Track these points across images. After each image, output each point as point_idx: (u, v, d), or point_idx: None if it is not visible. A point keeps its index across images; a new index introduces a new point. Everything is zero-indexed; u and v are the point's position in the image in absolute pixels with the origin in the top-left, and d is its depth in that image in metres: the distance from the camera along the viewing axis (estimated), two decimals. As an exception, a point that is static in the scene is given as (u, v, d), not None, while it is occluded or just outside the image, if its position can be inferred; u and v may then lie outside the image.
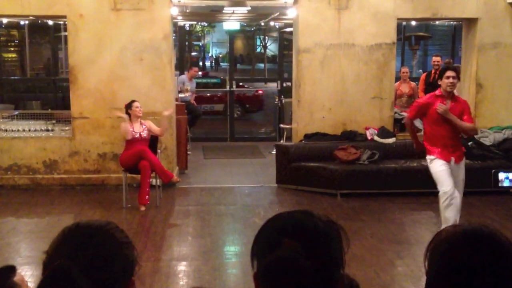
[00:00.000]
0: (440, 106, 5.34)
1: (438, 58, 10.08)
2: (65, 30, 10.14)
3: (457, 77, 5.42)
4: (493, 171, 7.57)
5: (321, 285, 1.14)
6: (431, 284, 1.21)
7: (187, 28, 22.19)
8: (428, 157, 5.56)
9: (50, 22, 13.73)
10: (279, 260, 1.12)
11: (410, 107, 5.51)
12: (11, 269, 1.45)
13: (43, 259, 1.25)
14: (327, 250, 1.18)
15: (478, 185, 7.47)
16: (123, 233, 1.27)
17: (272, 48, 35.16)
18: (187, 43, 26.66)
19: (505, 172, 7.58)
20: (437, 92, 5.48)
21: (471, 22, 8.42)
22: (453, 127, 5.42)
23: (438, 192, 5.56)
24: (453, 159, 5.48)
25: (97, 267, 1.17)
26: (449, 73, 5.34)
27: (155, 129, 7.12)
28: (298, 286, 1.12)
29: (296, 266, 1.11)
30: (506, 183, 7.58)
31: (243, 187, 8.07)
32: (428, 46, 21.53)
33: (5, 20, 12.47)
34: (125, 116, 6.89)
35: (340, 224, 1.24)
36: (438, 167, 5.48)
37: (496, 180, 7.55)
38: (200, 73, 17.82)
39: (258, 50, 38.34)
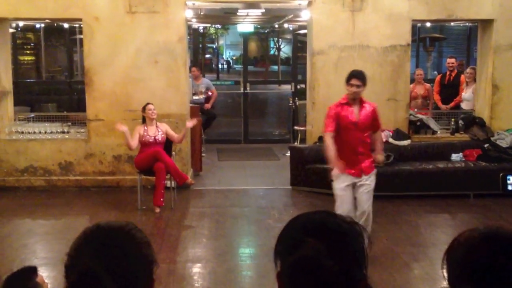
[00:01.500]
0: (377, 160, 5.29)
1: (453, 60, 10.01)
2: (80, 33, 10.22)
3: (363, 84, 5.11)
4: (501, 174, 7.45)
5: (343, 285, 1.14)
6: None
7: (201, 31, 22.24)
8: (334, 172, 5.21)
9: (66, 25, 13.87)
10: (302, 259, 1.13)
11: (325, 122, 5.18)
12: (33, 270, 1.46)
13: (64, 261, 1.26)
14: (350, 250, 1.19)
15: (493, 187, 7.41)
16: (142, 233, 1.29)
17: (285, 50, 35.14)
18: (201, 45, 26.75)
19: (512, 175, 7.45)
20: (342, 100, 5.20)
21: (487, 23, 8.35)
22: (362, 134, 5.19)
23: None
24: (361, 170, 5.17)
25: (120, 267, 1.18)
26: (354, 81, 5.09)
27: (172, 134, 7.15)
28: (321, 285, 1.12)
29: (319, 266, 1.12)
30: None
31: (258, 189, 8.07)
32: (443, 47, 21.36)
33: (21, 23, 12.60)
34: (125, 129, 6.76)
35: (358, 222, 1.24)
36: (339, 189, 5.21)
37: (505, 183, 7.44)
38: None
39: (272, 52, 38.33)
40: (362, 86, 5.15)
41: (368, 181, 5.20)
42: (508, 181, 7.43)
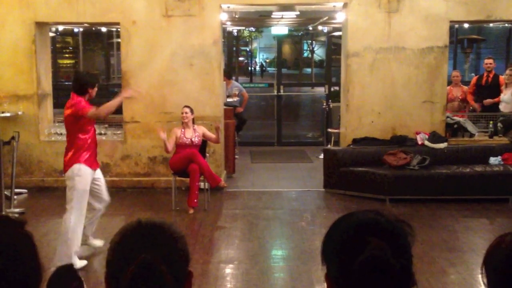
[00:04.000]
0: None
1: (491, 61, 9.80)
2: (118, 37, 10.41)
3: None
4: None
5: (404, 283, 1.16)
6: None
7: (235, 34, 22.38)
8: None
9: (103, 29, 14.15)
10: (371, 258, 1.13)
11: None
12: (73, 267, 1.52)
13: (106, 256, 1.29)
14: (406, 248, 1.20)
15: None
16: (177, 228, 1.33)
17: (319, 52, 35.01)
18: (235, 48, 26.90)
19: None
20: None
21: (528, 24, 8.15)
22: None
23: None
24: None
25: (168, 259, 1.23)
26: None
27: (210, 136, 7.24)
28: (388, 283, 1.13)
29: (387, 265, 1.13)
30: None
31: (291, 192, 8.06)
32: (481, 49, 20.96)
33: (60, 28, 12.91)
34: (163, 136, 6.84)
35: (406, 220, 1.25)
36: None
37: None
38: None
39: (305, 54, 38.24)
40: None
41: None
42: None
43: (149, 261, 1.18)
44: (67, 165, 5.15)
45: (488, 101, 9.26)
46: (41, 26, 8.16)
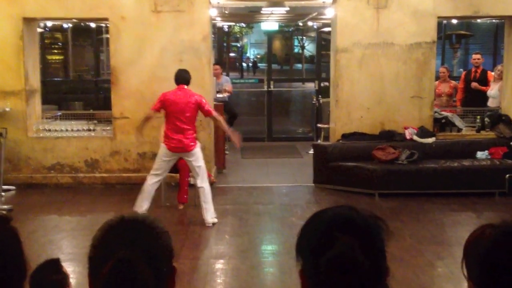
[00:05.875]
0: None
1: (478, 56, 9.88)
2: (107, 32, 10.36)
3: None
4: (507, 176, 7.29)
5: (374, 279, 1.15)
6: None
7: (226, 29, 22.33)
8: None
9: (93, 25, 14.06)
10: (339, 256, 1.12)
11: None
12: (57, 262, 1.52)
13: (88, 252, 1.29)
14: (378, 244, 1.19)
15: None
16: (161, 224, 1.32)
17: (309, 48, 35.03)
18: (225, 44, 26.84)
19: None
20: None
21: (515, 19, 8.21)
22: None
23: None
24: None
25: (149, 255, 1.22)
26: None
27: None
28: (356, 280, 1.12)
29: (356, 262, 1.12)
30: None
31: (281, 187, 8.09)
32: (469, 44, 21.06)
33: (49, 23, 12.83)
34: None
35: (379, 216, 1.25)
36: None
37: (511, 185, 7.27)
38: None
39: (296, 50, 38.24)
40: None
41: None
42: None
43: (127, 257, 1.17)
44: (194, 143, 6.26)
45: (475, 84, 9.39)
46: (29, 21, 8.10)
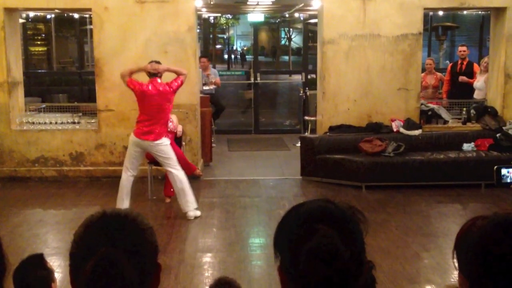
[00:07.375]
0: None
1: (464, 48, 9.92)
2: (91, 23, 10.23)
3: None
4: (495, 167, 7.34)
5: (354, 271, 1.13)
6: (473, 280, 1.19)
7: (212, 21, 22.20)
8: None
9: (76, 16, 13.89)
10: (320, 245, 1.11)
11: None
12: (41, 257, 1.47)
13: (69, 248, 1.25)
14: (357, 235, 1.18)
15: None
16: (145, 219, 1.28)
17: (296, 40, 34.97)
18: (211, 35, 26.70)
19: (507, 168, 7.31)
20: None
21: (500, 11, 8.23)
22: None
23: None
24: None
25: (133, 252, 1.19)
26: None
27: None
28: (337, 272, 1.11)
29: (337, 251, 1.11)
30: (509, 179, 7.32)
31: (268, 179, 8.06)
32: (455, 36, 21.14)
33: (31, 14, 12.64)
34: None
35: (356, 207, 1.23)
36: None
37: (499, 176, 7.33)
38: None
39: (283, 42, 38.14)
40: None
41: None
42: (503, 174, 7.32)
43: (109, 254, 1.14)
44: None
45: (462, 77, 9.44)
46: (10, 12, 7.96)
